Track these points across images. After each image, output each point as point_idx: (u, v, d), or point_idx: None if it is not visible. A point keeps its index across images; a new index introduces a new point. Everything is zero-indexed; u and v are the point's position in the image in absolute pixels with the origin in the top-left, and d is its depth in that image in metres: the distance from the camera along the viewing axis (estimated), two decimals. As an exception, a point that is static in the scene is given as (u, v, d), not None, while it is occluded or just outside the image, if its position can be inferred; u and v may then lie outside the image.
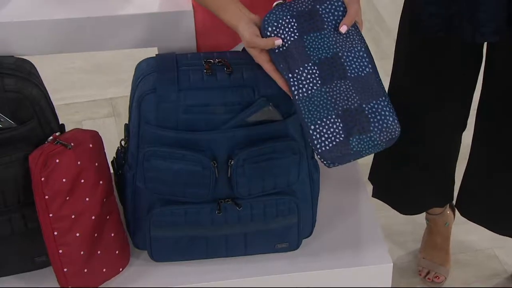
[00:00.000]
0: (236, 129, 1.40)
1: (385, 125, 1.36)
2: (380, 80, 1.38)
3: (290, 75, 1.34)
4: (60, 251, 1.42)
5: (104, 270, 1.50)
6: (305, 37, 1.35)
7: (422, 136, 1.96)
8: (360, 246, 1.60)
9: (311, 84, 1.34)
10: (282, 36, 1.35)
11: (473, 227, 2.13)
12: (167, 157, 1.40)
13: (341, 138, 1.33)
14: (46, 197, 1.38)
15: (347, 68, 1.36)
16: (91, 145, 1.43)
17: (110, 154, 1.55)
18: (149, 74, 1.41)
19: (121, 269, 1.54)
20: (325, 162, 1.33)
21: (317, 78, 1.34)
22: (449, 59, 1.78)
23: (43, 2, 1.56)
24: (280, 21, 1.35)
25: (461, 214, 2.14)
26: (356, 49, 1.37)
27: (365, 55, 1.38)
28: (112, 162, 1.55)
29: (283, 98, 1.39)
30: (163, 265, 1.55)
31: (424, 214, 2.28)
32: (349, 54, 1.37)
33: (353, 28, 1.38)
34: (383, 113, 1.36)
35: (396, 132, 1.37)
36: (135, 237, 1.56)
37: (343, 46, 1.37)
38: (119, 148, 1.53)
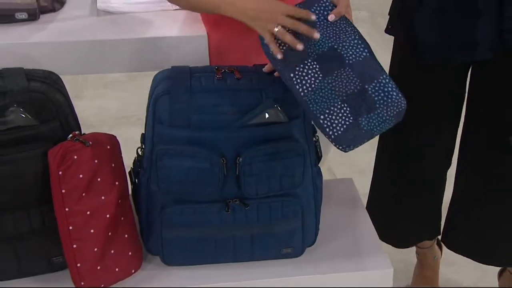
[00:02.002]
0: (243, 129, 1.29)
1: (389, 100, 1.26)
2: (377, 61, 1.29)
3: (292, 75, 1.24)
4: (74, 246, 1.28)
5: (117, 269, 1.34)
6: (301, 37, 1.26)
7: (412, 171, 1.83)
8: (361, 254, 1.45)
9: (313, 79, 1.24)
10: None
11: (458, 267, 1.95)
12: (178, 155, 1.28)
13: (350, 121, 1.24)
14: (63, 191, 1.25)
15: (345, 56, 1.27)
16: (108, 147, 1.31)
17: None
18: (164, 80, 1.31)
19: (133, 271, 1.38)
20: (340, 147, 1.23)
21: (318, 72, 1.25)
22: (439, 88, 1.67)
23: (70, 25, 1.49)
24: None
25: (447, 247, 1.97)
26: (349, 39, 1.29)
27: (359, 41, 1.29)
28: (129, 172, 1.41)
29: (289, 101, 1.30)
30: (174, 269, 1.39)
31: (414, 253, 2.11)
32: (344, 44, 1.28)
33: (344, 21, 1.30)
34: (385, 89, 1.27)
35: (402, 105, 1.27)
36: (148, 242, 1.41)
37: (337, 39, 1.28)
38: (136, 158, 1.40)
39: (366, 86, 1.26)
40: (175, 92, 1.28)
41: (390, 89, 1.26)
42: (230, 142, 1.28)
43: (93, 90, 3.21)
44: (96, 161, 1.28)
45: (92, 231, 1.28)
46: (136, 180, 1.40)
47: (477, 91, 1.68)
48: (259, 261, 1.40)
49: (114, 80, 3.26)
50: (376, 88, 1.27)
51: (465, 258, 1.90)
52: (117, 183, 1.32)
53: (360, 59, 1.28)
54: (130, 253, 1.36)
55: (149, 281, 1.37)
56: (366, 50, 1.28)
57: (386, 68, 1.72)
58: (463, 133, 1.77)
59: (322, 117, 1.23)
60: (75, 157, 1.25)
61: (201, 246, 1.36)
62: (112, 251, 1.32)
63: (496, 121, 1.66)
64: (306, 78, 1.24)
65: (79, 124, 1.34)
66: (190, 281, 1.36)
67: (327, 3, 1.29)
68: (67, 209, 1.26)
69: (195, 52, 1.47)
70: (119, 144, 1.34)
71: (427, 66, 1.64)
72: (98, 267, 1.30)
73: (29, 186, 1.26)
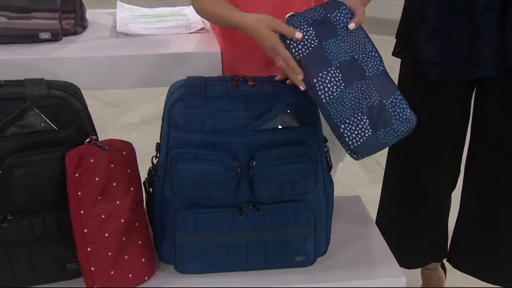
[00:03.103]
0: (256, 133, 1.23)
1: (404, 116, 1.22)
2: (390, 76, 1.26)
3: (314, 80, 1.18)
4: (89, 249, 1.19)
5: (130, 275, 1.25)
6: (324, 43, 1.21)
7: (417, 193, 1.74)
8: (373, 263, 1.36)
9: (335, 87, 1.19)
10: (303, 44, 1.20)
11: None
12: (192, 159, 1.22)
13: (369, 133, 1.20)
14: (79, 193, 1.18)
15: (365, 68, 1.23)
16: (124, 153, 1.25)
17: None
18: (180, 88, 1.26)
19: (146, 278, 1.28)
20: (355, 156, 1.18)
21: (341, 81, 1.19)
22: (444, 109, 1.61)
23: (90, 45, 1.45)
24: (299, 29, 1.21)
25: (454, 266, 1.86)
26: (367, 50, 1.24)
27: (376, 54, 1.25)
28: (144, 183, 1.34)
29: (301, 107, 1.24)
30: (187, 277, 1.30)
31: (417, 275, 2.00)
32: (364, 55, 1.24)
33: (362, 31, 1.26)
34: (401, 106, 1.23)
35: (414, 122, 1.24)
36: (161, 250, 1.32)
37: (357, 49, 1.24)
38: (150, 168, 1.33)
39: (384, 101, 1.22)
40: (190, 98, 1.22)
41: (404, 105, 1.24)
42: (244, 146, 1.22)
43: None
44: (112, 165, 1.21)
45: (106, 235, 1.20)
46: (151, 190, 1.32)
47: (482, 111, 1.61)
48: (271, 269, 1.31)
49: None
50: (393, 104, 1.23)
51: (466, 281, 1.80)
52: (132, 189, 1.25)
53: (378, 72, 1.25)
54: (143, 260, 1.27)
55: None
56: (382, 64, 1.25)
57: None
58: (469, 154, 1.69)
59: (342, 126, 1.18)
60: (92, 160, 1.19)
61: (214, 252, 1.28)
62: (126, 257, 1.24)
63: (502, 140, 1.58)
64: (328, 85, 1.18)
65: (95, 131, 1.28)
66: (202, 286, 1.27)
67: (347, 10, 1.25)
68: (82, 212, 1.18)
69: (209, 68, 1.42)
70: (135, 151, 1.28)
71: (432, 87, 1.58)
72: (112, 272, 1.22)
73: (46, 189, 1.20)
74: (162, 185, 1.27)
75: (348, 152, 1.19)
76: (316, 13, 1.24)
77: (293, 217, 1.27)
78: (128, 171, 1.25)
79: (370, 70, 1.23)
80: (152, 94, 3.54)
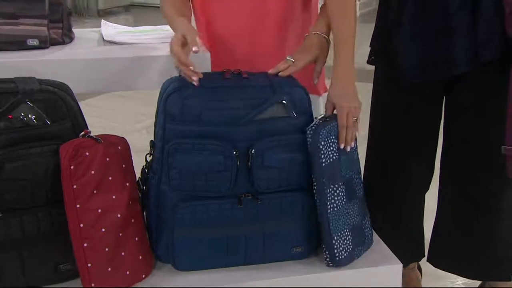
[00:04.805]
0: (253, 123, 1.12)
1: (370, 238, 1.26)
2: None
3: (329, 190, 1.14)
4: (85, 244, 1.04)
5: (128, 273, 1.10)
6: (341, 158, 1.17)
7: (392, 194, 1.65)
8: (368, 251, 1.23)
9: (339, 200, 1.16)
10: (327, 152, 1.14)
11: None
12: (190, 149, 1.09)
13: (350, 249, 1.19)
14: (74, 186, 1.04)
15: (356, 189, 1.23)
16: (119, 147, 1.12)
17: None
18: (174, 81, 1.15)
19: (144, 276, 1.13)
20: (333, 265, 1.17)
21: (344, 196, 1.17)
22: (416, 110, 1.53)
23: (78, 52, 1.32)
24: (328, 139, 1.15)
25: (434, 265, 1.75)
26: (357, 172, 1.23)
27: (360, 176, 1.25)
28: (137, 182, 1.20)
29: (296, 97, 1.14)
30: (184, 274, 1.15)
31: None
32: (356, 176, 1.23)
33: (355, 150, 1.23)
34: (369, 228, 1.26)
35: (371, 244, 1.27)
36: (158, 248, 1.17)
37: (353, 169, 1.22)
38: (144, 166, 1.19)
39: (362, 222, 1.23)
40: (186, 89, 1.11)
41: (370, 228, 1.25)
42: (241, 136, 1.11)
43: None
44: (107, 159, 1.08)
45: (103, 230, 1.06)
46: (144, 188, 1.18)
47: (454, 110, 1.54)
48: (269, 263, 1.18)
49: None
50: (366, 225, 1.25)
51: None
52: (127, 184, 1.11)
53: (361, 194, 1.25)
54: (140, 257, 1.12)
55: (160, 285, 1.12)
56: (362, 187, 1.25)
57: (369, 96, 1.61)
58: (443, 153, 1.61)
59: (335, 237, 1.15)
60: (87, 153, 1.05)
61: (213, 246, 1.14)
62: (123, 253, 1.09)
63: (475, 136, 1.51)
64: (336, 198, 1.15)
65: (88, 128, 1.14)
66: (202, 283, 1.12)
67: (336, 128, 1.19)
68: (78, 206, 1.03)
69: (199, 70, 1.30)
70: (129, 147, 1.15)
71: (406, 90, 1.51)
72: (109, 269, 1.07)
73: (39, 184, 1.05)
74: (158, 180, 1.13)
75: (330, 263, 1.17)
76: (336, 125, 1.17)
77: (291, 207, 1.15)
78: (124, 166, 1.11)
79: (359, 191, 1.23)
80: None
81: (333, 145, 1.14)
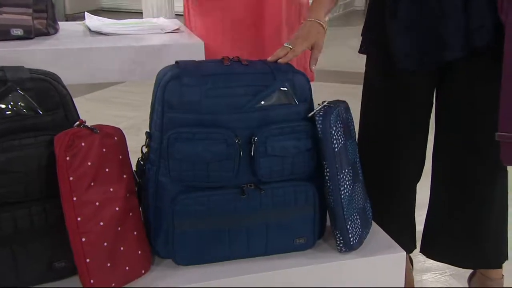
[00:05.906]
0: (255, 110, 1.08)
1: (371, 220, 1.26)
2: None
3: (341, 175, 1.11)
4: (83, 239, 0.98)
5: (127, 268, 1.04)
6: (348, 142, 1.16)
7: (384, 184, 1.63)
8: (371, 241, 1.21)
9: (349, 184, 1.14)
10: (337, 137, 1.11)
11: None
12: (190, 138, 1.05)
13: (360, 232, 1.18)
14: (71, 178, 0.98)
15: (359, 171, 1.22)
16: (116, 138, 1.06)
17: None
18: (172, 69, 1.10)
19: (143, 272, 1.08)
20: (345, 251, 1.16)
21: (351, 179, 1.15)
22: (408, 97, 1.51)
23: (65, 41, 1.26)
24: (337, 123, 1.12)
25: (427, 256, 1.74)
26: (357, 153, 1.21)
27: (359, 160, 1.23)
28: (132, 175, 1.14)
29: (297, 84, 1.10)
30: (185, 269, 1.10)
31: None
32: (357, 159, 1.22)
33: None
34: (370, 210, 1.26)
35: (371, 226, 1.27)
36: (157, 244, 1.12)
37: (356, 153, 1.21)
38: (139, 158, 1.14)
39: (366, 204, 1.23)
40: (185, 76, 1.06)
41: (370, 210, 1.24)
42: (243, 124, 1.07)
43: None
44: (104, 150, 1.02)
45: (101, 223, 1.00)
46: (140, 180, 1.13)
47: (446, 99, 1.53)
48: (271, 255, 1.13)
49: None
50: (368, 207, 1.25)
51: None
52: (125, 176, 1.06)
53: (361, 177, 1.24)
54: (139, 252, 1.07)
55: (161, 281, 1.07)
56: (362, 170, 1.24)
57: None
58: (435, 142, 1.60)
59: (349, 222, 1.13)
60: (83, 143, 0.99)
61: (214, 239, 1.09)
62: (122, 248, 1.03)
63: (466, 126, 1.51)
64: (347, 183, 1.13)
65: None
66: (203, 279, 1.08)
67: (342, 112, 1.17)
68: (75, 199, 0.97)
69: (193, 58, 1.26)
70: (125, 138, 1.09)
71: (398, 79, 1.50)
72: (108, 264, 1.01)
73: (32, 177, 0.98)
74: (157, 171, 1.08)
75: (344, 249, 1.15)
76: (342, 111, 1.15)
77: (293, 197, 1.11)
78: (120, 157, 1.06)
79: (360, 174, 1.22)
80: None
81: (341, 130, 1.12)
